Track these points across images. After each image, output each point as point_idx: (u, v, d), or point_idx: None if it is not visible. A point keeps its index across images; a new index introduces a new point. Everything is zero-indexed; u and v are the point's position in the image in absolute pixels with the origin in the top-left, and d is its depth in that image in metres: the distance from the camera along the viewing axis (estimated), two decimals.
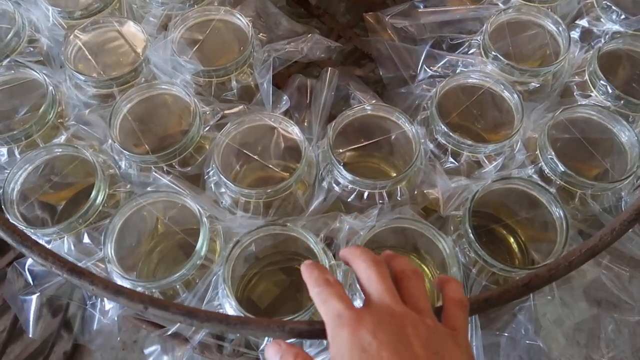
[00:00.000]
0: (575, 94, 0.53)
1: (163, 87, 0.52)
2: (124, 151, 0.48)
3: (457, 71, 0.55)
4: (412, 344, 0.31)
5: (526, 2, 0.57)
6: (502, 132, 0.52)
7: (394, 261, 0.36)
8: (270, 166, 0.48)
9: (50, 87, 0.51)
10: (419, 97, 0.54)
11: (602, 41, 0.54)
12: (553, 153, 0.46)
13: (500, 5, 0.58)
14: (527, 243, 0.51)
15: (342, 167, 0.46)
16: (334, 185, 0.48)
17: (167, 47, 0.53)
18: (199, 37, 0.55)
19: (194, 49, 0.54)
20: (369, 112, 0.50)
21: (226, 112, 0.52)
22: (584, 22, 0.57)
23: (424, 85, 0.53)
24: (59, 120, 0.52)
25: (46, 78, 0.51)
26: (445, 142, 0.49)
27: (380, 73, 0.59)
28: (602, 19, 0.56)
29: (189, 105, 0.50)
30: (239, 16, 0.55)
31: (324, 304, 0.34)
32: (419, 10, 0.57)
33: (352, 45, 0.71)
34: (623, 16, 0.54)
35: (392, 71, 0.58)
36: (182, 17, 0.55)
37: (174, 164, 0.49)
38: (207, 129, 0.50)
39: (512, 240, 0.52)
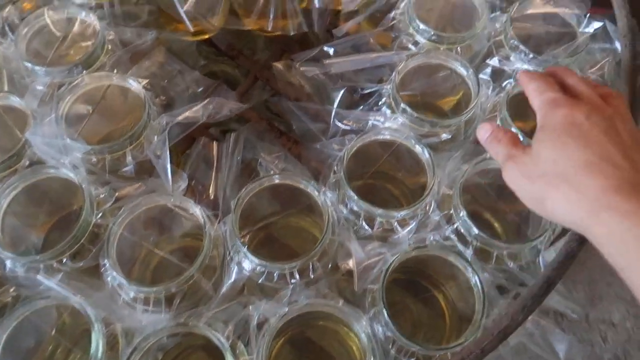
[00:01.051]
0: None
1: (50, 171, 0.47)
2: (4, 252, 0.43)
3: (368, 124, 0.52)
4: (619, 132, 0.37)
5: (435, 43, 0.55)
6: (419, 188, 0.50)
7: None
8: (169, 257, 0.45)
9: None
10: (331, 155, 0.51)
11: (512, 82, 0.53)
12: (466, 214, 0.44)
13: (411, 47, 0.56)
14: (456, 303, 0.50)
15: (246, 251, 0.43)
16: (243, 266, 0.45)
17: (52, 125, 0.48)
18: (88, 108, 0.51)
19: (84, 123, 0.50)
20: (276, 181, 0.47)
21: (121, 193, 0.48)
22: (494, 62, 0.55)
23: (334, 145, 0.50)
24: None
25: None
26: (357, 209, 0.46)
27: (293, 127, 0.56)
28: (511, 58, 0.54)
29: (78, 189, 0.46)
30: (132, 81, 0.51)
31: (541, 95, 0.40)
32: (326, 62, 0.54)
33: (270, 90, 0.68)
34: (531, 55, 0.52)
35: (304, 125, 0.56)
36: (70, 87, 0.51)
37: (64, 259, 0.44)
38: (100, 215, 0.46)
39: (442, 303, 0.50)
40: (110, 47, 0.55)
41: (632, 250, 0.32)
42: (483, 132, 0.42)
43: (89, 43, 0.54)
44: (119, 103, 0.52)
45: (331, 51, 0.58)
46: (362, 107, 0.56)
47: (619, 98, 0.40)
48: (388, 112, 0.52)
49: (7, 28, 0.56)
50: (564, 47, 0.53)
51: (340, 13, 0.65)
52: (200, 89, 0.58)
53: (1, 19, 0.56)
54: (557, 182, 0.36)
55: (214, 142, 0.53)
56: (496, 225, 0.54)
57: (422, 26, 0.54)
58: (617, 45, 0.54)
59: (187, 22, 0.60)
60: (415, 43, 0.56)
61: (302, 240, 0.55)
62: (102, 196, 0.47)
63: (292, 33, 0.63)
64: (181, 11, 0.59)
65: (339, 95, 0.54)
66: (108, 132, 0.55)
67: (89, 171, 0.49)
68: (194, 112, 0.50)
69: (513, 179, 0.39)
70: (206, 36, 0.68)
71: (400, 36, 0.57)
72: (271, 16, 0.63)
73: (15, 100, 0.50)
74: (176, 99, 0.56)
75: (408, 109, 0.49)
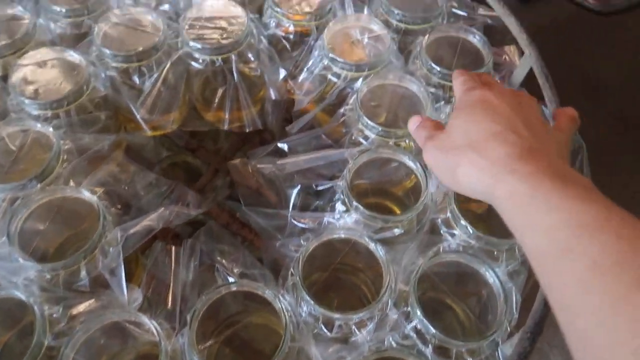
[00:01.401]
0: (442, 231, 0.53)
1: (1, 292, 0.46)
2: None
3: (324, 221, 0.53)
4: (525, 110, 0.41)
5: (384, 138, 0.57)
6: (379, 276, 0.51)
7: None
8: None
9: None
10: (289, 255, 0.52)
11: None
12: (421, 313, 0.45)
13: (362, 140, 0.58)
14: None
15: None
16: None
17: (4, 246, 0.48)
18: (42, 224, 0.51)
19: (37, 238, 0.50)
20: (233, 289, 0.47)
21: (76, 309, 0.47)
22: None
23: (291, 246, 0.51)
24: None
25: None
26: (315, 313, 0.47)
27: (252, 225, 0.57)
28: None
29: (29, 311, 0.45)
30: (86, 193, 0.51)
31: (462, 85, 0.45)
32: (278, 162, 0.56)
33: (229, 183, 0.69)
34: None
35: (261, 223, 0.56)
36: (23, 202, 0.51)
37: None
38: (52, 338, 0.45)
39: None
40: (66, 156, 0.56)
41: (528, 209, 0.34)
42: (412, 124, 0.48)
43: (45, 156, 0.55)
44: (74, 215, 0.52)
45: (285, 147, 0.60)
46: (317, 202, 0.57)
47: (530, 96, 0.45)
48: (342, 208, 0.53)
49: None
50: None
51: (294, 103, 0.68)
52: (159, 191, 0.59)
53: None
54: (466, 151, 0.39)
55: (173, 248, 0.53)
56: (457, 309, 0.55)
57: (370, 123, 0.56)
58: None
59: (144, 126, 0.62)
60: (366, 137, 0.58)
61: (267, 338, 0.54)
62: (54, 315, 0.46)
63: (247, 130, 0.65)
64: (138, 117, 0.61)
65: (293, 194, 0.56)
66: (62, 241, 0.54)
67: (42, 288, 0.48)
68: (150, 220, 0.51)
69: (431, 156, 0.43)
70: (165, 132, 0.69)
71: (351, 131, 0.59)
72: (227, 115, 0.65)
73: None
74: (133, 204, 0.56)
75: (360, 207, 0.51)
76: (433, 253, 0.49)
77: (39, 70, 0.61)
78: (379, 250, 0.49)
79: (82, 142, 0.59)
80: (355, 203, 0.51)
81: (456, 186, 0.41)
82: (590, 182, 0.35)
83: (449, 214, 0.52)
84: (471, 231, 0.50)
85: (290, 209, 0.55)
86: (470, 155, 0.38)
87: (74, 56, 0.61)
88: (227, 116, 0.65)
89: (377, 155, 0.55)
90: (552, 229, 0.32)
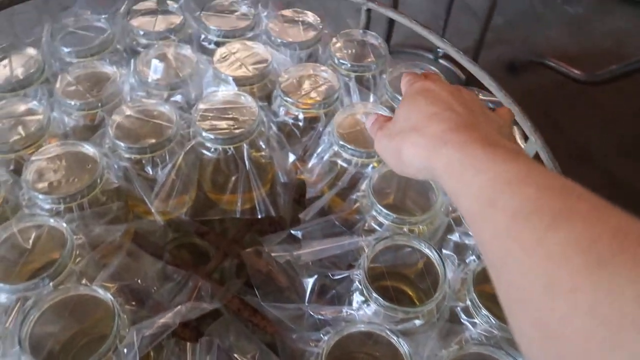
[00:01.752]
0: (462, 319, 0.52)
1: None
2: None
3: (343, 312, 0.53)
4: (464, 97, 0.43)
5: (397, 224, 0.57)
6: None
7: None
8: None
9: None
10: (307, 350, 0.50)
11: (476, 261, 0.55)
12: None
13: (376, 227, 0.59)
14: None
15: None
16: None
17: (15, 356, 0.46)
18: (54, 325, 0.49)
19: (49, 342, 0.48)
20: None
21: None
22: (455, 237, 0.58)
23: (310, 342, 0.50)
24: None
25: None
26: None
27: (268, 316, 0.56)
28: (470, 232, 0.57)
29: None
30: (100, 291, 0.51)
31: (409, 82, 0.47)
32: (295, 252, 0.56)
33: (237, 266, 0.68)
34: None
35: (278, 314, 0.55)
36: (36, 301, 0.50)
37: None
38: None
39: None
40: (78, 252, 0.55)
41: (461, 176, 0.35)
42: (368, 122, 0.51)
43: (57, 252, 0.54)
44: (88, 313, 0.51)
45: (299, 234, 0.60)
46: (333, 292, 0.56)
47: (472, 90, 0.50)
48: (361, 298, 0.53)
49: None
50: None
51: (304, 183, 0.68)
52: (173, 282, 0.58)
53: None
54: (409, 133, 0.41)
55: (188, 345, 0.51)
56: None
57: (384, 210, 0.57)
58: None
59: (157, 217, 0.62)
60: (380, 224, 0.58)
61: None
62: None
63: (259, 216, 0.66)
64: (152, 208, 0.61)
65: (310, 284, 0.55)
66: (73, 335, 0.53)
67: None
68: (167, 318, 0.50)
69: (380, 144, 0.46)
70: (174, 215, 0.69)
71: (365, 217, 0.60)
72: (239, 202, 0.65)
73: None
74: (148, 298, 0.55)
75: (380, 299, 0.50)
76: (456, 345, 0.48)
77: (52, 165, 0.61)
78: (402, 345, 0.48)
79: (93, 234, 0.59)
80: (374, 295, 0.50)
81: (402, 167, 0.43)
82: (522, 148, 0.37)
83: (468, 303, 0.52)
84: (493, 321, 0.49)
85: (307, 300, 0.54)
86: (412, 136, 0.41)
87: (87, 149, 0.62)
88: (239, 203, 0.65)
89: (393, 243, 0.55)
90: (480, 189, 0.33)
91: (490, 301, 0.50)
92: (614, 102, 1.77)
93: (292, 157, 0.69)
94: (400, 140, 0.42)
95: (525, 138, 0.61)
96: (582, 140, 1.67)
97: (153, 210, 0.62)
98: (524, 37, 2.08)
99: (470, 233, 0.57)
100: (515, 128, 0.68)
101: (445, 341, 0.51)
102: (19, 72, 0.71)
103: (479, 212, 0.33)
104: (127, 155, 0.63)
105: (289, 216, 0.70)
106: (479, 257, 0.55)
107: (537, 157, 0.59)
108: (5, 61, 0.72)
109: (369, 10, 0.87)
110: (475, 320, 0.51)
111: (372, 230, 0.59)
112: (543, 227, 0.28)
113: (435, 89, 0.43)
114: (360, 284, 0.53)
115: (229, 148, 0.64)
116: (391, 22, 0.89)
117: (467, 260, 0.56)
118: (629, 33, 2.09)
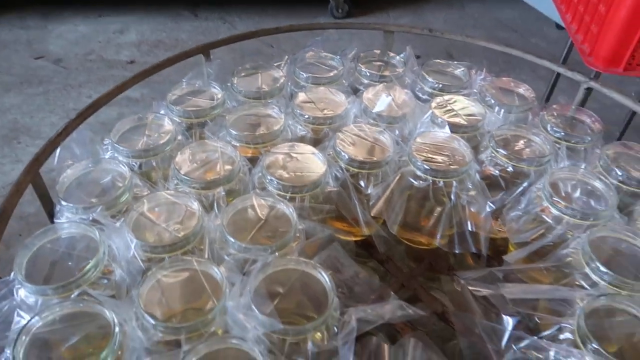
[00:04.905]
0: None
1: (233, 341, 0.48)
2: None
3: (550, 356, 0.50)
4: None
5: (614, 287, 0.55)
6: None
7: None
8: None
9: (117, 329, 0.48)
10: None
11: None
12: None
13: (586, 286, 0.57)
14: None
15: None
16: None
17: (245, 298, 0.51)
18: (278, 289, 0.54)
19: (274, 302, 0.52)
20: None
21: None
22: None
23: None
24: None
25: (115, 318, 0.49)
26: None
27: (460, 345, 0.55)
28: None
29: None
30: (321, 271, 0.54)
31: None
32: (502, 288, 0.56)
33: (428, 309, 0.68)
34: None
35: (472, 343, 0.54)
36: (263, 266, 0.55)
37: None
38: None
39: None
40: (298, 234, 0.61)
41: None
42: None
43: (284, 229, 0.60)
44: (304, 289, 0.55)
45: (501, 275, 0.60)
46: (534, 337, 0.54)
47: None
48: (574, 350, 0.50)
49: (215, 205, 0.64)
50: None
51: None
52: (371, 286, 0.60)
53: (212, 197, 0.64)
54: None
55: (386, 346, 0.53)
56: None
57: (602, 268, 0.55)
58: None
59: (364, 228, 0.66)
60: (593, 284, 0.56)
61: None
62: None
63: (456, 251, 0.67)
64: (360, 217, 0.65)
65: (510, 323, 0.54)
66: (291, 313, 0.56)
67: (269, 349, 0.49)
68: (378, 311, 0.52)
69: None
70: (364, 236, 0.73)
71: (574, 274, 0.58)
72: (439, 234, 0.67)
73: (213, 269, 0.55)
74: (350, 295, 0.58)
75: (600, 349, 0.47)
76: None
77: (284, 160, 0.69)
78: None
79: (305, 225, 0.64)
80: (593, 344, 0.48)
81: None
82: None
83: None
84: None
85: (507, 340, 0.53)
86: None
87: (317, 154, 0.69)
88: (439, 234, 0.67)
89: (612, 304, 0.53)
90: None
91: None
92: None
93: (489, 208, 0.71)
94: None
95: None
96: None
97: (360, 219, 0.66)
98: None
99: None
100: None
101: None
102: (265, 85, 0.84)
103: None
104: (345, 166, 0.69)
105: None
106: None
107: None
108: (257, 75, 0.85)
109: (588, 89, 0.89)
110: None
111: (581, 287, 0.57)
112: None
113: None
114: (575, 334, 0.50)
115: (440, 181, 0.68)
116: (588, 91, 0.90)
117: None
118: None
